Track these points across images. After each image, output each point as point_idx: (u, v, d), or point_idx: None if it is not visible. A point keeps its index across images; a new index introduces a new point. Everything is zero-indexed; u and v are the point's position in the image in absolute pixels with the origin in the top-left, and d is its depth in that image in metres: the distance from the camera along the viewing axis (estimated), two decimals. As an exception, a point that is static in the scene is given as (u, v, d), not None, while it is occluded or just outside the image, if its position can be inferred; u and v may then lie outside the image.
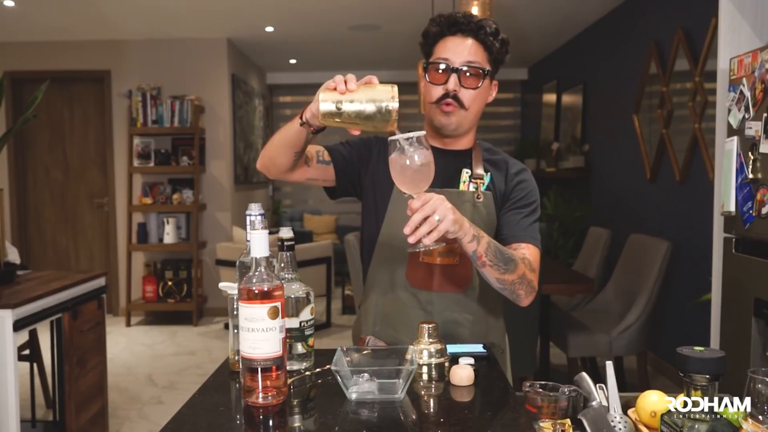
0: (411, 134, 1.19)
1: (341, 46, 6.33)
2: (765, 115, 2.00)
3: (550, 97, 6.78)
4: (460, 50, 1.43)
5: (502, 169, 1.53)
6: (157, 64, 5.88)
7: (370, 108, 1.22)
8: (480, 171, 1.51)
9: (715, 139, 2.51)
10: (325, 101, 1.22)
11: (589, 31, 5.66)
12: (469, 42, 1.44)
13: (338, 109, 1.21)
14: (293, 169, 1.46)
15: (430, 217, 1.19)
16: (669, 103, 4.08)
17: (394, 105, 1.23)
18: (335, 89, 1.21)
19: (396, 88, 1.24)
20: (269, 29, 5.70)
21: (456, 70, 1.42)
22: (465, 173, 1.51)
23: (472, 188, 1.49)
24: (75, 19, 5.22)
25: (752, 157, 2.06)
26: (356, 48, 6.44)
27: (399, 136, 1.20)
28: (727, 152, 2.18)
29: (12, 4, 4.72)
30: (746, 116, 2.10)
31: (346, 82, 1.21)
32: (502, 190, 1.51)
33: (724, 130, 2.27)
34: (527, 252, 1.43)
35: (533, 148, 7.19)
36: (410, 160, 1.19)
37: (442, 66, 1.43)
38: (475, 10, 3.33)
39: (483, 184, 1.50)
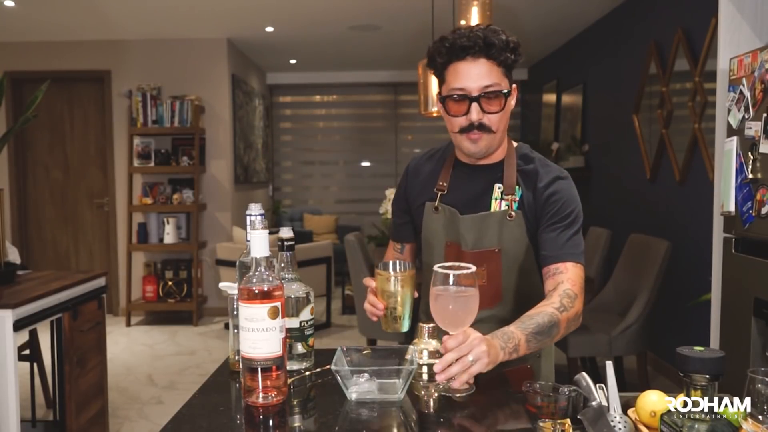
0: (459, 271, 1.16)
1: (341, 46, 6.33)
2: (765, 115, 2.01)
3: (550, 97, 6.78)
4: (474, 76, 1.36)
5: (531, 182, 1.45)
6: (157, 64, 5.88)
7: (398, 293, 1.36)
8: (512, 186, 1.44)
9: (714, 139, 2.51)
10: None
11: (589, 31, 5.66)
12: (482, 63, 1.37)
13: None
14: None
15: (464, 358, 1.13)
16: (669, 103, 4.08)
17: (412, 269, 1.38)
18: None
19: (396, 269, 1.38)
20: (269, 29, 5.70)
21: (476, 99, 1.37)
22: (497, 189, 1.45)
23: (503, 206, 1.44)
24: (75, 19, 5.22)
25: (752, 157, 2.06)
26: (356, 48, 6.44)
27: (447, 271, 1.16)
28: (726, 152, 2.18)
29: (12, 4, 4.72)
30: (746, 116, 2.10)
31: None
32: (533, 208, 1.43)
33: (724, 130, 2.27)
34: (567, 276, 1.37)
35: (533, 148, 7.17)
36: (453, 301, 1.15)
37: (459, 96, 1.37)
38: (474, 11, 3.32)
39: (515, 201, 1.44)
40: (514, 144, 1.53)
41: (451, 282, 1.14)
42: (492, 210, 1.44)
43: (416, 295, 1.37)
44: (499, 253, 1.42)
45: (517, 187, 1.45)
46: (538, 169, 1.46)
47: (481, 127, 1.39)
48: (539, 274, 1.45)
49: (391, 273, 1.35)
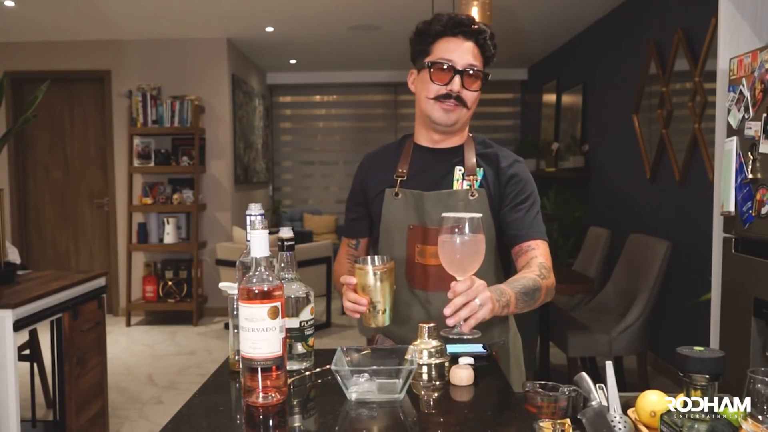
0: (466, 215, 1.20)
1: (341, 46, 6.33)
2: (764, 115, 2.01)
3: (550, 97, 6.78)
4: (462, 52, 1.47)
5: (493, 163, 1.54)
6: (157, 64, 5.88)
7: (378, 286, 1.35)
8: (472, 167, 1.53)
9: (714, 139, 2.51)
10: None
11: (589, 31, 5.67)
12: (469, 45, 1.48)
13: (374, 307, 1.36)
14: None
15: (472, 302, 1.20)
16: (669, 103, 4.08)
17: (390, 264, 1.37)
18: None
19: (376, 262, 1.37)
20: (269, 29, 5.70)
21: (460, 72, 1.46)
22: (458, 171, 1.53)
23: (465, 186, 1.51)
24: (75, 19, 5.22)
25: (752, 157, 2.06)
26: (356, 48, 6.44)
27: (453, 214, 1.21)
28: (726, 152, 2.18)
29: (12, 4, 4.72)
30: (746, 116, 2.10)
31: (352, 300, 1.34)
32: (495, 186, 1.52)
33: (724, 130, 2.27)
34: (539, 252, 1.48)
35: (533, 148, 7.19)
36: (462, 245, 1.20)
37: (447, 66, 1.46)
38: (474, 11, 3.33)
39: (476, 180, 1.52)
40: (470, 134, 1.62)
41: (459, 229, 1.19)
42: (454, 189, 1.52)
43: (395, 287, 1.39)
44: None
45: (478, 168, 1.53)
46: (498, 153, 1.56)
47: (458, 99, 1.47)
48: (496, 252, 1.55)
49: (371, 267, 1.34)
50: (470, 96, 1.48)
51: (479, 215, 1.21)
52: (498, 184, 1.52)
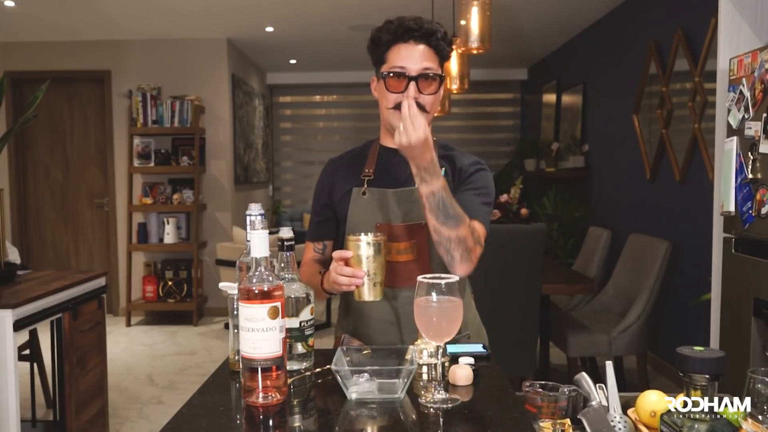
0: (442, 278, 1.13)
1: (341, 46, 6.33)
2: (764, 115, 2.01)
3: (550, 97, 6.78)
4: (414, 57, 1.47)
5: (457, 162, 1.58)
6: (157, 64, 5.88)
7: (371, 257, 1.35)
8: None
9: (714, 139, 2.51)
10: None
11: (589, 31, 5.67)
12: (422, 48, 1.48)
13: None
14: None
15: (416, 124, 1.30)
16: (669, 103, 4.08)
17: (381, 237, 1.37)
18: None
19: (369, 235, 1.36)
20: (269, 29, 5.70)
21: (414, 78, 1.46)
22: None
23: None
24: (75, 19, 5.22)
25: (752, 157, 2.06)
26: (356, 48, 6.41)
27: (428, 278, 1.14)
28: (726, 152, 2.18)
29: (12, 4, 4.72)
30: (746, 116, 2.10)
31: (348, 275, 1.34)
32: (456, 183, 1.55)
33: (724, 130, 2.27)
34: (476, 226, 1.47)
35: (533, 148, 7.19)
36: (439, 309, 1.13)
37: (399, 74, 1.47)
38: (474, 11, 3.33)
39: None
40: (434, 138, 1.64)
41: (435, 293, 1.12)
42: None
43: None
44: (425, 227, 1.46)
45: (440, 168, 1.54)
46: (459, 156, 1.61)
47: (417, 105, 1.46)
48: None
49: (367, 237, 1.35)
50: (428, 100, 1.48)
51: (456, 278, 1.14)
52: (460, 177, 1.56)
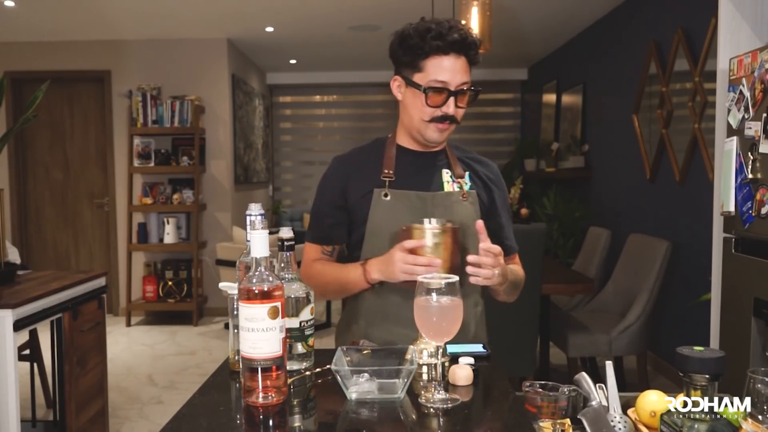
0: (443, 278, 1.14)
1: (341, 46, 6.33)
2: (764, 115, 2.01)
3: (550, 97, 6.78)
4: (455, 71, 1.45)
5: (478, 165, 1.62)
6: (157, 64, 5.88)
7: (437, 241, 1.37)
8: (460, 171, 1.57)
9: (714, 139, 2.51)
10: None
11: (589, 31, 5.67)
12: (462, 61, 1.46)
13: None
14: None
15: (495, 269, 1.36)
16: (669, 103, 4.08)
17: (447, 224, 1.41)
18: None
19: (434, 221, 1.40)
20: (269, 29, 5.70)
21: (454, 94, 1.46)
22: (446, 174, 1.56)
23: (456, 188, 1.54)
24: (75, 19, 5.22)
25: (752, 157, 2.06)
26: (356, 48, 6.44)
27: (429, 278, 1.14)
28: (726, 152, 2.18)
29: (12, 4, 4.72)
30: (746, 116, 2.10)
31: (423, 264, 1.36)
32: (483, 188, 1.59)
33: (724, 130, 2.27)
34: (517, 258, 1.65)
35: (533, 148, 7.19)
36: (440, 309, 1.13)
37: (442, 89, 1.45)
38: (474, 11, 3.33)
39: (465, 183, 1.56)
40: None
41: (436, 293, 1.12)
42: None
43: None
44: (458, 230, 1.45)
45: (465, 172, 1.58)
46: (478, 157, 1.66)
47: (452, 119, 1.48)
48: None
49: (441, 225, 1.38)
50: (460, 112, 1.50)
51: (456, 278, 1.14)
52: (484, 185, 1.60)
